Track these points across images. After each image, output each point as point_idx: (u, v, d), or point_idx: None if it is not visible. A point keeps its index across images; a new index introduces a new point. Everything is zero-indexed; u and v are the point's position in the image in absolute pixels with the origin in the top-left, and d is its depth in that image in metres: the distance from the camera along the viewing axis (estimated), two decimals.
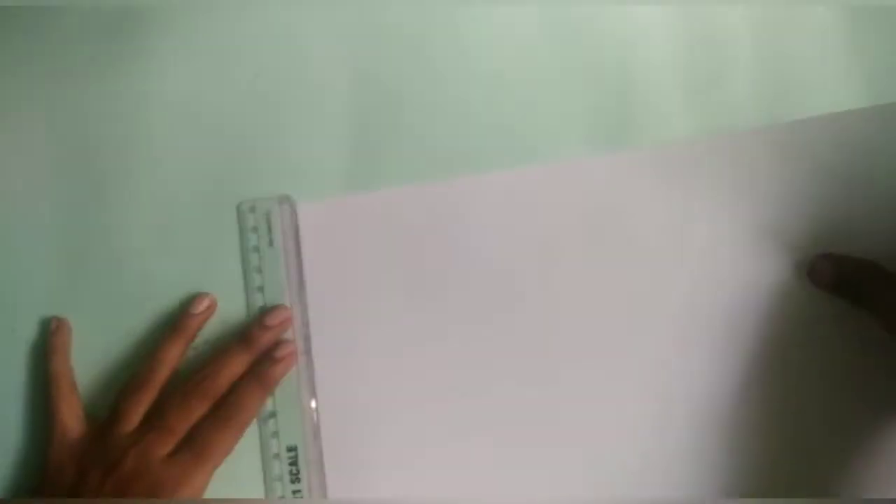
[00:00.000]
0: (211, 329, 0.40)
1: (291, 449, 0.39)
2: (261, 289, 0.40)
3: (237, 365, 0.38)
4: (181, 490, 0.35)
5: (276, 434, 0.39)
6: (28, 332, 0.40)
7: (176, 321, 0.39)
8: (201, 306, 0.39)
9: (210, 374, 0.37)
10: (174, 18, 0.41)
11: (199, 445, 0.36)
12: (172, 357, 0.38)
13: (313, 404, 0.39)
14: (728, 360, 0.40)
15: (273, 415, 0.39)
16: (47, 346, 0.39)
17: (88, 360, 0.40)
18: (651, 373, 0.40)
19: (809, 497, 0.39)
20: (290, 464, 0.39)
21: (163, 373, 0.38)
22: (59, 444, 0.37)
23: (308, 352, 0.40)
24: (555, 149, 0.41)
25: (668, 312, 0.41)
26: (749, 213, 0.41)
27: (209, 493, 0.37)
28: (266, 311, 0.39)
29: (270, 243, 0.40)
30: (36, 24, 0.41)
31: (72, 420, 0.38)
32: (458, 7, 0.41)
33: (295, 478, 0.39)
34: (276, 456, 0.39)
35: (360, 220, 0.41)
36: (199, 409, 0.37)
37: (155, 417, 0.37)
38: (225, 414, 0.37)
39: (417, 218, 0.41)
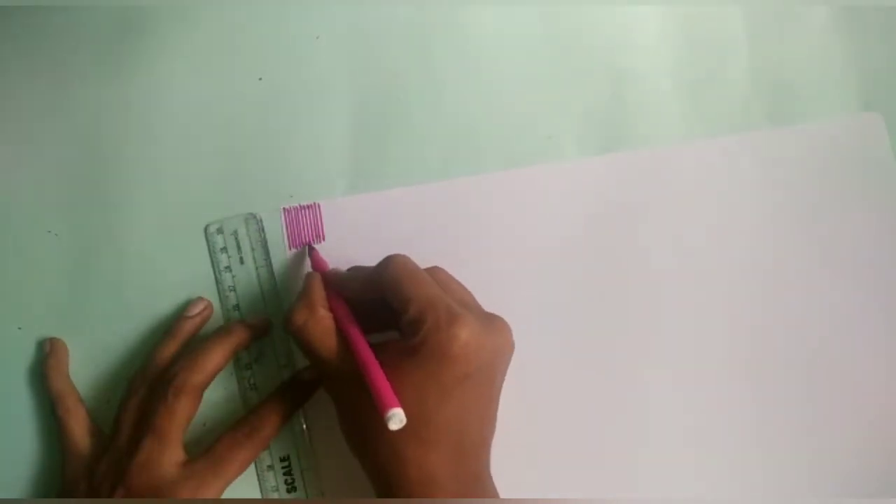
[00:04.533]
0: None
1: (284, 459, 0.37)
2: (237, 307, 0.39)
3: (215, 359, 0.36)
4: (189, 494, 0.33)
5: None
6: (33, 332, 0.39)
7: (171, 325, 0.38)
8: (196, 310, 0.38)
9: (185, 367, 0.35)
10: (178, 22, 0.42)
11: (217, 458, 0.34)
12: (166, 361, 0.37)
13: (300, 412, 0.38)
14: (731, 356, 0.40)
15: None
16: (45, 367, 0.38)
17: (93, 368, 0.39)
18: (652, 370, 0.40)
19: None
20: (285, 474, 0.37)
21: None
22: (72, 461, 0.36)
23: (290, 362, 0.39)
24: (553, 150, 0.42)
25: (667, 312, 0.40)
26: (745, 214, 0.41)
27: None
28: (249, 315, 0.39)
29: (241, 261, 0.40)
30: (38, 24, 0.42)
31: (82, 436, 0.37)
32: (458, 9, 0.43)
33: (291, 487, 0.37)
34: (270, 467, 0.37)
35: (360, 220, 0.41)
36: (179, 406, 0.35)
37: (142, 421, 0.35)
38: (246, 429, 0.35)
39: (417, 218, 0.41)
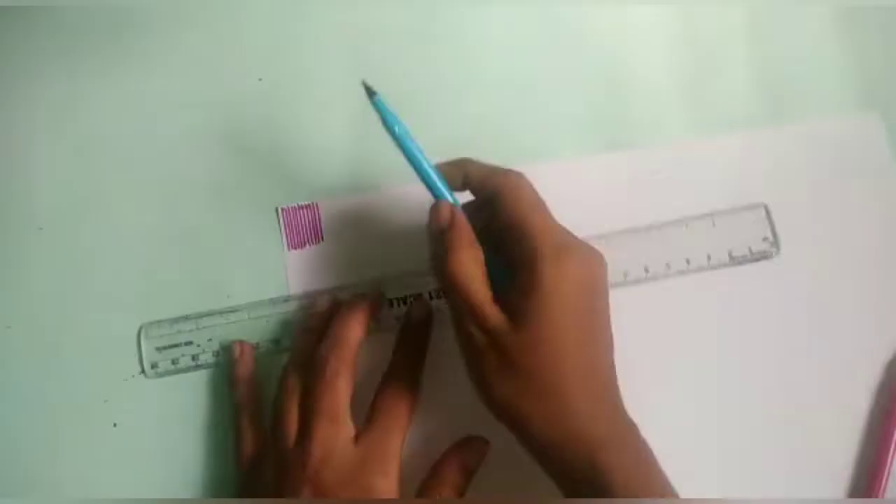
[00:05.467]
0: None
1: None
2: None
3: (356, 331, 0.36)
4: (379, 466, 0.33)
5: None
6: (22, 331, 0.39)
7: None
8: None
9: (334, 345, 0.35)
10: (177, 22, 0.42)
11: (384, 418, 0.35)
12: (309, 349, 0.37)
13: None
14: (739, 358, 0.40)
15: None
16: (231, 374, 0.38)
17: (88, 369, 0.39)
18: (652, 367, 0.39)
19: None
20: None
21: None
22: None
23: None
24: (553, 149, 0.42)
25: (665, 309, 0.40)
26: (744, 212, 0.41)
27: None
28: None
29: None
30: (38, 24, 0.42)
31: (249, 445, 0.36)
32: (458, 9, 0.43)
33: None
34: None
35: (359, 220, 0.40)
36: (340, 384, 0.34)
37: (307, 410, 0.35)
38: (393, 381, 0.35)
39: (416, 218, 0.40)
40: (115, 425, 0.38)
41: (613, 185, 0.41)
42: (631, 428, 0.32)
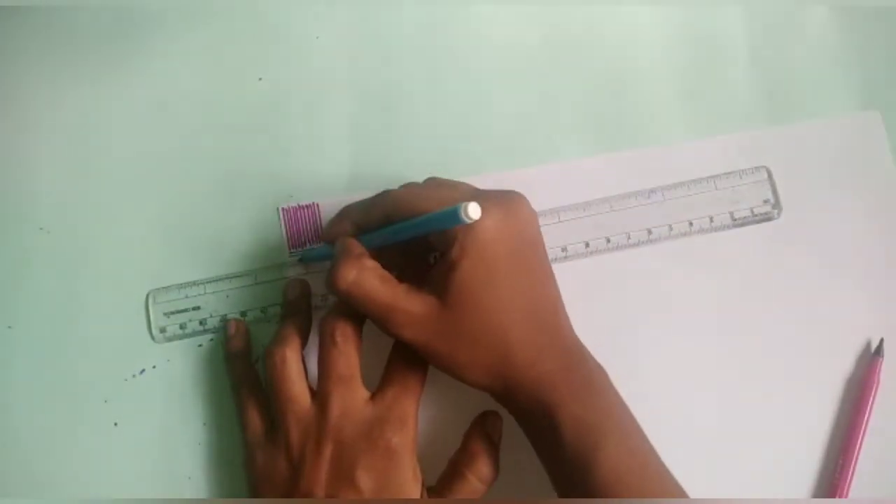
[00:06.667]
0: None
1: None
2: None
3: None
4: (396, 423, 0.34)
5: None
6: (23, 331, 0.39)
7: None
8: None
9: (340, 315, 0.35)
10: (178, 22, 0.42)
11: (398, 377, 0.35)
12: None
13: None
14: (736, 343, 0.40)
15: None
16: (227, 349, 0.39)
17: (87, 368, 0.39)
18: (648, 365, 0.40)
19: None
20: None
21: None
22: (254, 450, 0.36)
23: None
24: (553, 150, 0.42)
25: (662, 308, 0.40)
26: (744, 213, 0.41)
27: None
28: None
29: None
30: (38, 24, 0.42)
31: (258, 422, 0.37)
32: (458, 9, 0.43)
33: None
34: None
35: None
36: (350, 349, 0.35)
37: (324, 377, 0.35)
38: (407, 347, 0.35)
39: None
40: (115, 425, 0.38)
41: (613, 186, 0.41)
42: (576, 358, 0.34)
